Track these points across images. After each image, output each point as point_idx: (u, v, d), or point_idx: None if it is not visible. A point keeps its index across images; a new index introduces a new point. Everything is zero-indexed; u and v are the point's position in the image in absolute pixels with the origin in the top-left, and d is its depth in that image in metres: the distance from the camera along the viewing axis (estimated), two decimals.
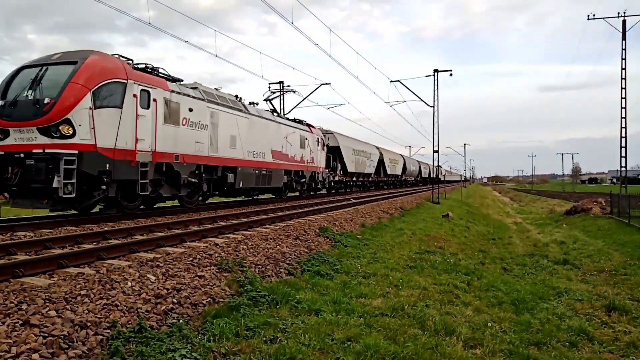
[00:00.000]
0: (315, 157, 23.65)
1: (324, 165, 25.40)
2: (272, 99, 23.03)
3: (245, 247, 8.26)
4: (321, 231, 11.35)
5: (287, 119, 21.69)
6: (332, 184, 28.81)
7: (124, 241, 7.82)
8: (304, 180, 22.19)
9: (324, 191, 29.01)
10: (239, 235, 9.37)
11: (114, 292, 5.10)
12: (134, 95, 11.08)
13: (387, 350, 4.82)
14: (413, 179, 62.15)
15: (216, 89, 15.51)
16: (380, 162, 41.19)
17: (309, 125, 23.85)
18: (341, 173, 30.40)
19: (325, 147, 26.07)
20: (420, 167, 66.95)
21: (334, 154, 28.98)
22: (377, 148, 40.46)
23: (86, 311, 4.52)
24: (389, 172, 43.85)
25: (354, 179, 33.87)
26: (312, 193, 25.60)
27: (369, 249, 10.99)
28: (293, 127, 21.02)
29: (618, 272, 11.71)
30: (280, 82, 31.72)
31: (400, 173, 50.19)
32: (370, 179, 38.74)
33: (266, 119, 18.26)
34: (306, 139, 22.34)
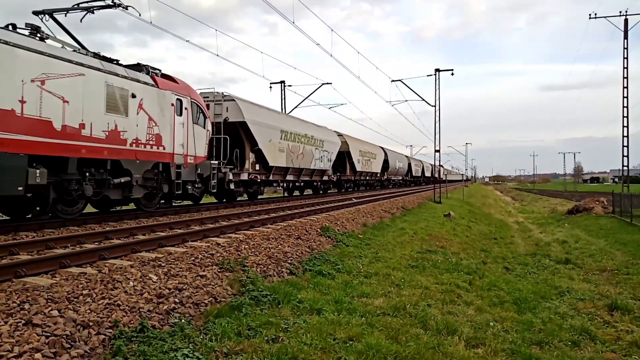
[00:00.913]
0: (167, 134, 12.53)
1: (202, 153, 14.15)
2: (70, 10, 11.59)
3: (247, 246, 8.26)
4: (323, 231, 11.35)
5: (78, 49, 10.82)
6: (231, 185, 16.39)
7: (126, 241, 7.83)
8: (127, 179, 11.30)
9: (214, 200, 18.96)
10: (241, 234, 9.38)
11: (116, 292, 5.11)
12: None
13: (389, 349, 4.82)
14: (400, 178, 50.75)
15: None
16: (345, 156, 30.74)
17: (163, 75, 13.19)
18: (257, 168, 18.73)
19: (207, 121, 14.51)
20: (410, 165, 55.30)
21: (236, 135, 17.39)
22: (340, 135, 29.94)
23: (88, 311, 4.53)
24: (359, 169, 32.57)
25: (290, 177, 21.70)
26: (168, 206, 14.72)
27: (371, 249, 10.99)
28: (81, 64, 9.98)
29: (620, 272, 11.70)
30: (282, 82, 31.79)
31: (378, 171, 38.89)
32: (324, 178, 26.39)
33: None
34: (134, 95, 11.32)
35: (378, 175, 39.67)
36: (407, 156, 55.78)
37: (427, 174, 69.73)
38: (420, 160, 68.53)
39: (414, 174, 58.02)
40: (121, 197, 11.60)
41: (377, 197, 24.19)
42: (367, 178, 37.03)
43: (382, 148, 41.06)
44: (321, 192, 27.51)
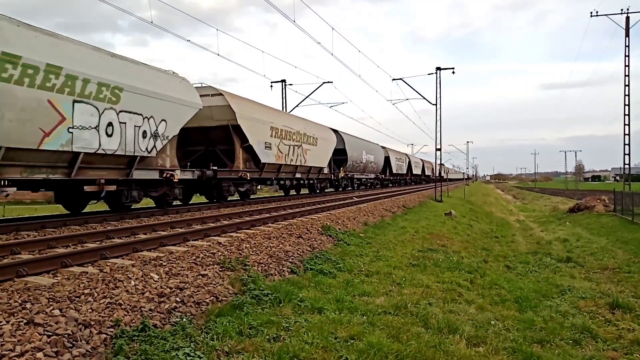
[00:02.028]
0: None
1: None
2: None
3: (248, 245, 8.27)
4: (324, 230, 11.35)
5: None
6: None
7: (127, 240, 7.84)
8: None
9: None
10: (242, 234, 9.38)
11: (118, 291, 5.11)
12: None
13: (390, 348, 4.82)
14: (372, 176, 36.68)
15: None
16: (231, 135, 16.54)
17: None
18: None
19: None
20: (389, 159, 42.39)
21: None
22: (218, 94, 16.14)
23: (90, 310, 4.53)
24: (272, 162, 18.75)
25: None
26: None
27: (372, 247, 10.99)
28: None
29: (621, 270, 11.71)
30: (283, 81, 31.80)
31: (324, 165, 25.14)
32: (135, 173, 11.72)
33: None
34: None
35: (325, 171, 25.37)
36: (384, 147, 41.74)
37: (416, 171, 58.00)
38: (405, 153, 54.39)
39: (395, 172, 44.87)
40: None
41: (378, 196, 24.19)
42: (299, 176, 22.21)
43: (333, 130, 27.47)
44: (131, 205, 12.58)
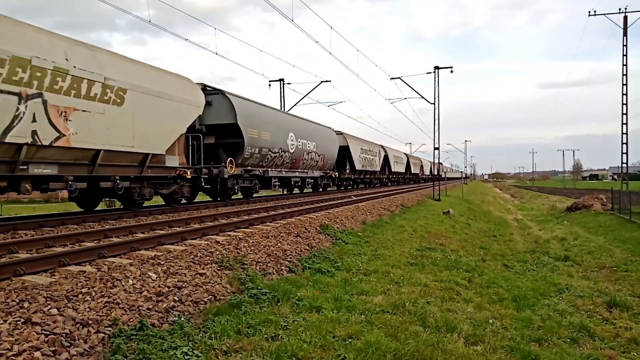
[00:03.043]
0: None
1: None
2: None
3: (246, 244, 8.26)
4: (322, 228, 11.35)
5: None
6: None
7: (125, 239, 7.82)
8: None
9: None
10: (240, 232, 9.38)
11: (115, 290, 5.11)
12: None
13: (388, 347, 4.83)
14: (317, 174, 25.60)
15: None
16: None
17: None
18: None
19: None
20: (349, 151, 30.28)
21: None
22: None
23: (88, 309, 4.53)
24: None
25: None
26: None
27: (370, 246, 10.99)
28: None
29: (619, 269, 11.72)
30: (281, 80, 31.78)
31: (160, 151, 12.37)
32: None
33: None
34: None
35: (171, 162, 13.18)
36: (340, 133, 29.86)
37: (398, 168, 46.02)
38: (381, 145, 39.74)
39: (361, 168, 32.57)
40: None
41: (376, 196, 24.21)
42: (48, 172, 9.43)
43: (211, 90, 16.19)
44: None
